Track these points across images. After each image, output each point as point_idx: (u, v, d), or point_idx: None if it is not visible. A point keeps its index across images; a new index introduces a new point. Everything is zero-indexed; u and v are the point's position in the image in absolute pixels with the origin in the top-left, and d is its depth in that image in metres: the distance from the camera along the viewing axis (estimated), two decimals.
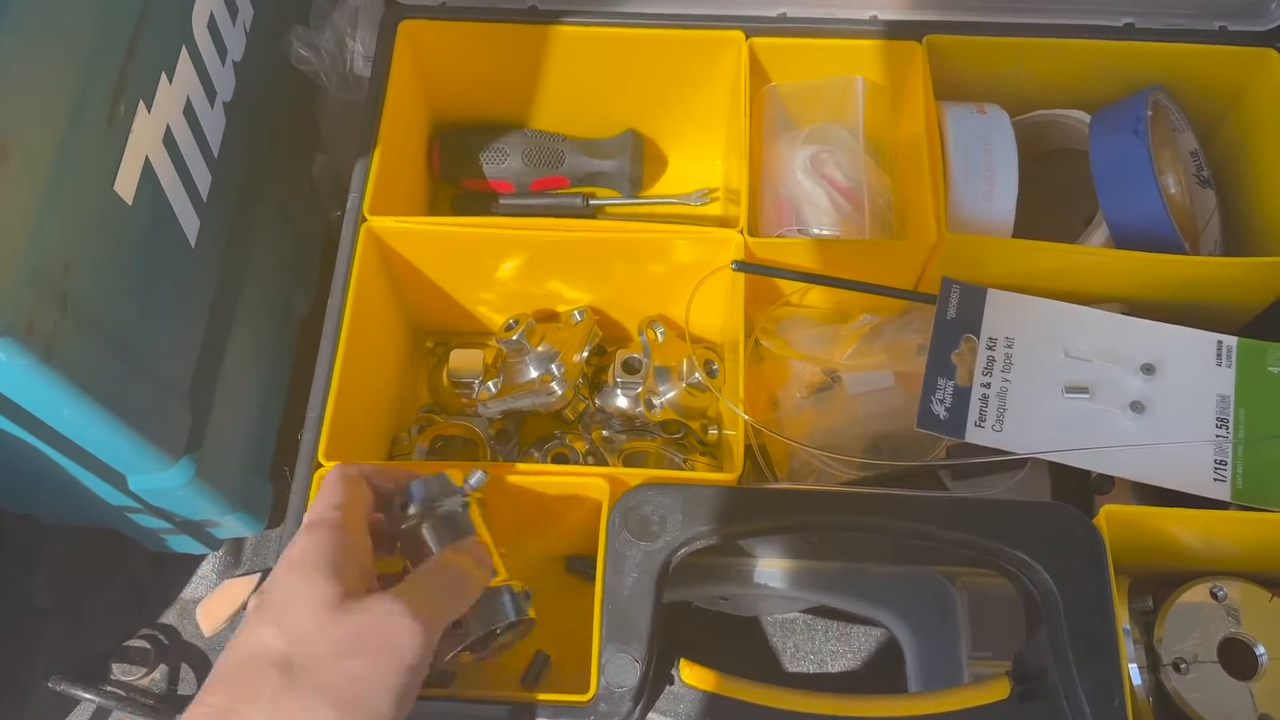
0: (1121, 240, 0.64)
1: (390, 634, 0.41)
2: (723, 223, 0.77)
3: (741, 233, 0.62)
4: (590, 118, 0.77)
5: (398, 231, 0.63)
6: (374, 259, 0.64)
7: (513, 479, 0.55)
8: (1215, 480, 0.58)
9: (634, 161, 0.76)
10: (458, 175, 0.77)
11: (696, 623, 0.69)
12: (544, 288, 0.69)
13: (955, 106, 0.68)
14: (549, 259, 0.66)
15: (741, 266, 0.61)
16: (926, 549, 0.61)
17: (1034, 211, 0.70)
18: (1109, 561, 0.52)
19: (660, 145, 0.80)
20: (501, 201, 0.77)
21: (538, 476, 0.55)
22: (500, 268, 0.66)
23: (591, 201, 0.77)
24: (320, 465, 0.56)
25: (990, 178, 0.65)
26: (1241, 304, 0.67)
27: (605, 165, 0.76)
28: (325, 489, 0.47)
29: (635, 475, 0.55)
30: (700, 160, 0.79)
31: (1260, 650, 0.58)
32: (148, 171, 0.58)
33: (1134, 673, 0.57)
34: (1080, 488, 0.63)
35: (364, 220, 0.62)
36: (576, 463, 0.66)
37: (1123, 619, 0.58)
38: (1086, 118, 0.69)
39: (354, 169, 0.64)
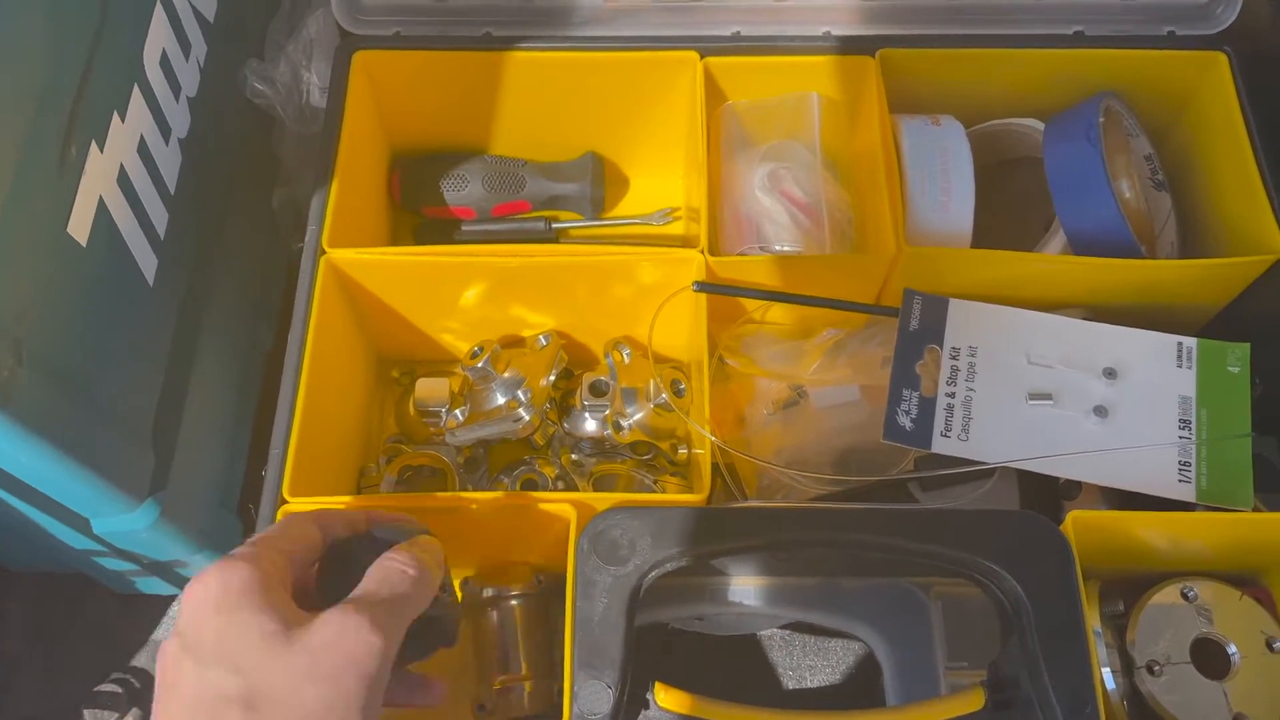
0: (1079, 246, 0.65)
1: (348, 650, 0.39)
2: (686, 242, 0.77)
3: (702, 252, 0.62)
4: (550, 141, 0.77)
5: (358, 263, 0.63)
6: (335, 291, 0.63)
7: (479, 507, 0.55)
8: (1180, 481, 0.59)
9: (595, 184, 0.76)
10: (419, 203, 0.76)
11: (673, 644, 0.69)
12: (508, 314, 0.69)
13: (910, 119, 0.68)
14: (511, 285, 0.66)
15: (702, 287, 0.61)
16: (898, 561, 0.61)
17: (994, 219, 0.71)
18: (1077, 568, 0.52)
19: (621, 166, 0.80)
20: (464, 228, 0.76)
21: (504, 504, 0.55)
22: (463, 296, 0.66)
23: (554, 225, 0.77)
24: (285, 501, 0.55)
25: (947, 189, 0.65)
26: (1201, 305, 0.67)
27: (566, 188, 0.76)
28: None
29: (603, 500, 0.55)
30: (662, 180, 0.80)
31: (1232, 649, 0.58)
32: (102, 212, 0.58)
33: (1108, 677, 0.57)
34: (1049, 493, 0.64)
35: (323, 253, 0.62)
36: (546, 488, 0.66)
37: (1094, 623, 0.58)
38: (1041, 126, 0.69)
39: (312, 201, 0.64)
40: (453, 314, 0.68)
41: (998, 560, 0.52)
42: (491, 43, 0.70)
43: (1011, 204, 0.71)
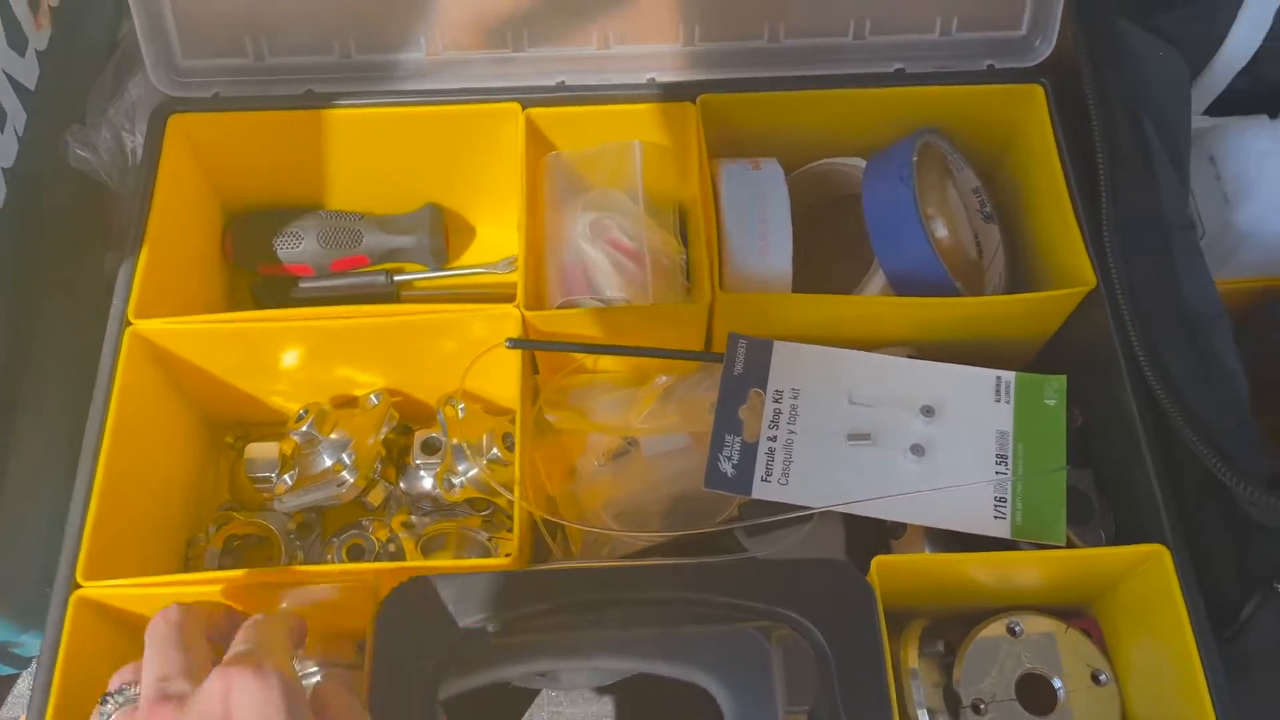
0: (897, 284, 0.65)
1: None
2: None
3: (518, 307, 0.62)
4: (388, 194, 0.77)
5: (169, 332, 0.62)
6: (146, 363, 0.62)
7: (278, 584, 0.54)
8: (996, 518, 0.59)
9: (434, 235, 0.76)
10: (254, 262, 0.75)
11: (519, 704, 0.68)
12: (336, 374, 0.68)
13: (731, 164, 0.68)
14: (334, 347, 0.65)
15: (516, 344, 0.61)
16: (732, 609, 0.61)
17: (826, 256, 0.71)
18: (879, 615, 0.52)
19: (465, 215, 0.80)
20: (302, 285, 0.75)
21: (298, 582, 0.54)
22: (284, 360, 0.65)
23: (396, 278, 0.76)
24: (79, 586, 0.54)
25: (764, 233, 0.65)
26: (1027, 338, 0.68)
27: (404, 241, 0.75)
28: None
29: (409, 569, 0.54)
30: (507, 228, 0.79)
31: (1058, 684, 0.59)
32: None
33: (926, 719, 0.57)
34: (875, 531, 0.63)
35: (128, 324, 0.61)
36: (373, 552, 0.65)
37: (911, 664, 0.58)
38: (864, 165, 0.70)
39: (118, 272, 0.63)
40: (278, 378, 0.67)
41: (801, 610, 0.52)
42: (313, 100, 0.70)
43: (841, 241, 0.71)
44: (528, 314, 0.62)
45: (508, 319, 0.62)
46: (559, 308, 0.66)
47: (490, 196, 0.77)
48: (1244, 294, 0.66)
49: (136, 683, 0.46)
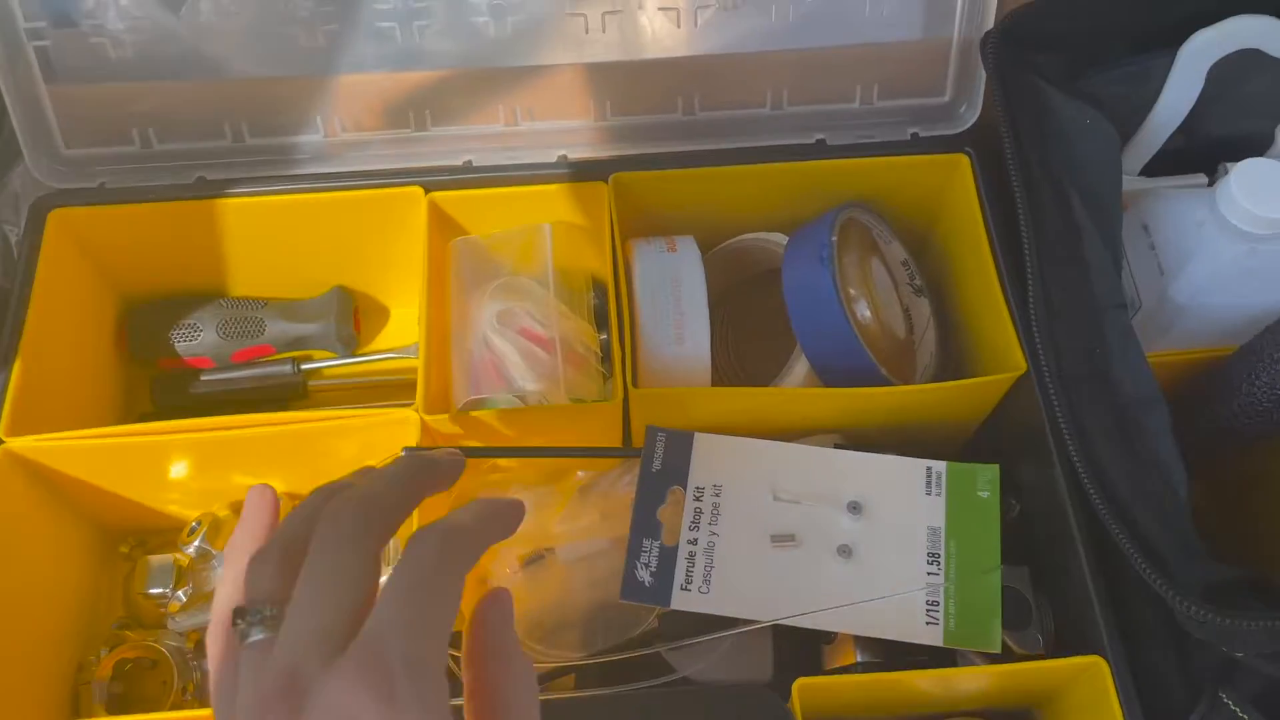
0: (821, 368, 0.62)
1: None
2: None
3: (417, 411, 0.58)
4: (292, 279, 0.73)
5: (46, 449, 0.58)
6: (21, 481, 0.58)
7: None
8: (928, 624, 0.56)
9: (341, 321, 0.72)
10: (152, 355, 0.71)
11: None
12: (232, 481, 0.64)
13: (645, 245, 0.65)
14: (226, 455, 0.61)
15: (413, 454, 0.57)
16: None
17: (750, 335, 0.68)
18: None
19: (377, 297, 0.76)
20: (202, 379, 0.71)
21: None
22: (174, 470, 0.61)
23: (303, 366, 0.72)
24: None
25: (681, 322, 0.62)
26: (959, 422, 0.65)
27: (309, 329, 0.72)
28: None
29: None
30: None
31: None
32: None
33: None
34: (805, 637, 0.60)
35: (0, 443, 0.57)
36: None
37: None
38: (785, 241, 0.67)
39: None
40: (170, 488, 0.63)
41: None
42: (205, 189, 0.66)
43: (765, 319, 0.68)
44: (427, 418, 0.58)
45: (407, 424, 0.59)
46: (467, 404, 0.62)
47: (401, 277, 0.73)
48: (1184, 366, 0.64)
49: (282, 602, 0.33)
